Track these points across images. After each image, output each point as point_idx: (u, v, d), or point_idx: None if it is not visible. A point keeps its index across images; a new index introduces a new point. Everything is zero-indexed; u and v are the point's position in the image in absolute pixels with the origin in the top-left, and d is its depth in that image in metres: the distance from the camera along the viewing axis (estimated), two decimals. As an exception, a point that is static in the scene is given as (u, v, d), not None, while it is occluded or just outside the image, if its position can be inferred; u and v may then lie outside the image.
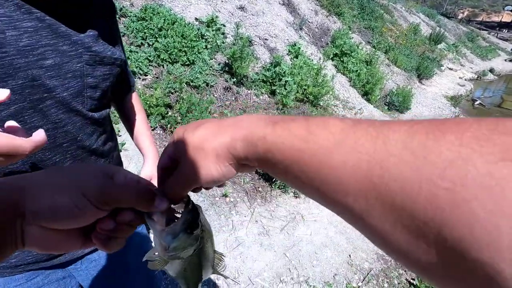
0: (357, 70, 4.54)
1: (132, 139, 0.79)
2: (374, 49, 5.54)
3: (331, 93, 3.70)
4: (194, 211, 0.31)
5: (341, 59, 4.67)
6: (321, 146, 0.19)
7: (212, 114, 2.67)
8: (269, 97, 3.30)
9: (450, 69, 8.37)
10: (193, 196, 1.87)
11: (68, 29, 0.46)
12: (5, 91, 0.32)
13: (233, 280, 1.60)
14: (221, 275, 0.40)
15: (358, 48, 4.98)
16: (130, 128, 0.77)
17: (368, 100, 4.42)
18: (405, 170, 0.15)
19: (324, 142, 0.19)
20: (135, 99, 0.77)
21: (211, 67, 3.08)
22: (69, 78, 0.48)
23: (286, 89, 3.22)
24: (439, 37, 8.92)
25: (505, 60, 13.58)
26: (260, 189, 2.26)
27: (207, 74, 2.98)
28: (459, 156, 0.13)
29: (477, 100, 6.99)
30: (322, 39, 5.16)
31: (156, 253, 0.33)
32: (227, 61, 3.16)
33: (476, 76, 9.28)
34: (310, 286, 1.69)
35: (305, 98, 3.42)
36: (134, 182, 0.27)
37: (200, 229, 0.32)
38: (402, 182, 0.15)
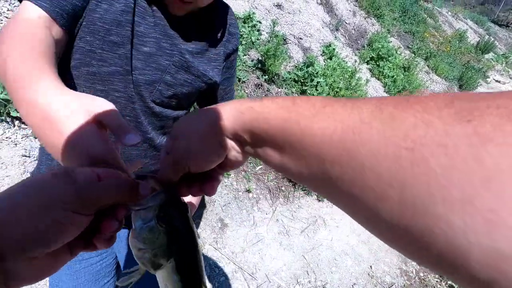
0: (393, 76, 4.34)
1: None
2: (413, 55, 5.25)
3: (363, 97, 3.57)
4: (170, 198, 0.28)
5: (377, 63, 4.49)
6: (303, 116, 0.21)
7: (242, 110, 2.69)
8: (299, 97, 3.26)
9: (497, 81, 7.71)
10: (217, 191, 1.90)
11: (176, 34, 0.55)
12: (137, 138, 0.30)
13: (250, 275, 1.62)
14: None
15: (396, 52, 4.75)
16: None
17: (403, 108, 4.21)
18: (373, 135, 0.16)
19: (306, 112, 0.21)
20: None
21: (244, 63, 3.10)
22: (151, 67, 0.53)
23: (317, 90, 3.16)
24: (488, 46, 8.23)
25: None
26: (283, 188, 2.26)
27: (240, 70, 3.01)
28: (422, 120, 0.14)
29: (526, 117, 6.36)
30: (359, 41, 4.98)
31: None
32: (260, 58, 3.17)
33: (527, 91, 8.43)
34: (327, 292, 1.66)
35: (336, 101, 3.34)
36: (95, 177, 0.25)
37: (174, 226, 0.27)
38: (370, 145, 0.16)
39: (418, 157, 0.14)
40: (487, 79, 7.07)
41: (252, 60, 3.17)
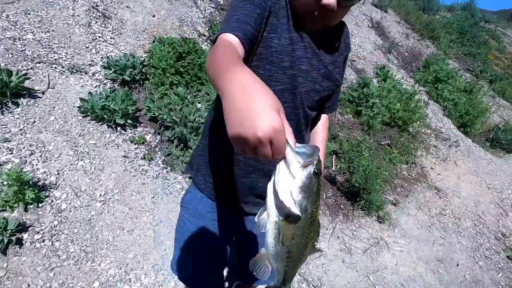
0: (454, 99, 4.11)
1: None
2: (476, 78, 4.93)
3: (421, 120, 3.44)
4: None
5: (435, 86, 4.31)
6: None
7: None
8: (353, 117, 3.26)
9: None
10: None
11: (320, 52, 0.71)
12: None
13: (314, 287, 1.62)
14: (318, 251, 0.43)
15: (456, 75, 4.52)
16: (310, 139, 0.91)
17: (466, 133, 3.92)
18: None
19: None
20: (325, 120, 0.91)
21: (300, 83, 3.24)
22: (307, 81, 0.71)
23: (373, 110, 3.14)
24: None
25: None
26: (342, 206, 2.24)
27: (297, 89, 3.15)
28: None
29: None
30: (413, 64, 4.86)
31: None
32: (316, 79, 3.29)
33: None
34: (396, 318, 1.58)
35: (392, 122, 3.27)
36: None
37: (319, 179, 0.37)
38: None
39: None
40: None
41: (307, 81, 3.30)
